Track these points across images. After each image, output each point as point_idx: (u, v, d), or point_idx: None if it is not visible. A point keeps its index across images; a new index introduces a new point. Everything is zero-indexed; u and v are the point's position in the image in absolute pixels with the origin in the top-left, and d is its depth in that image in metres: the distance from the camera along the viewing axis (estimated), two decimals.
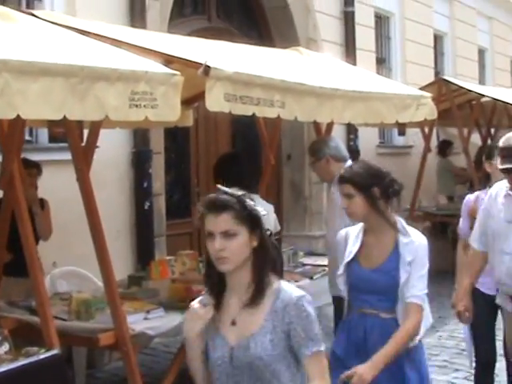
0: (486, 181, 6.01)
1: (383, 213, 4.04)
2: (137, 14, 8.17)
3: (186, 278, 6.02)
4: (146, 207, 8.25)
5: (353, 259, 4.10)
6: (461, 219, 5.94)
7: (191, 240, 9.72)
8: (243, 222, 2.86)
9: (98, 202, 5.19)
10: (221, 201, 2.87)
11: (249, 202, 2.90)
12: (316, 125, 7.23)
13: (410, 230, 4.10)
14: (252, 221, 2.89)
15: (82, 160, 5.03)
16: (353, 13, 12.13)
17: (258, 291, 2.90)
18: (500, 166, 4.67)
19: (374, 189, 4.00)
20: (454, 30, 16.99)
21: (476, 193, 5.91)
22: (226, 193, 2.91)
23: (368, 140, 12.20)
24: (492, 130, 14.78)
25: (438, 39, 16.57)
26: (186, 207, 9.84)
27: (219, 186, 2.97)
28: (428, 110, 7.48)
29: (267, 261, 2.94)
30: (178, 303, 5.57)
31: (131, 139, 8.21)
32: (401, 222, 4.10)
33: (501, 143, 4.76)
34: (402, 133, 13.15)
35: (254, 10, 11.16)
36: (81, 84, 3.95)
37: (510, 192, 4.82)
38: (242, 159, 6.41)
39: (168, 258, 6.74)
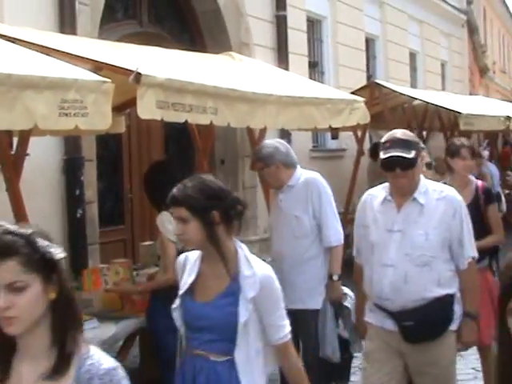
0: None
1: (221, 240, 3.45)
2: (66, 20, 8.04)
3: (120, 288, 5.95)
4: (78, 215, 8.13)
5: (187, 291, 3.54)
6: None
7: (125, 247, 9.66)
8: (34, 269, 2.21)
9: (29, 211, 5.10)
10: (3, 244, 2.20)
11: (41, 243, 2.24)
12: (249, 130, 7.23)
13: (254, 260, 3.48)
14: (47, 266, 2.23)
15: (12, 169, 4.95)
16: (285, 17, 12.17)
17: (61, 358, 2.23)
18: (383, 156, 4.32)
19: (212, 212, 3.43)
20: (386, 33, 17.17)
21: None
22: (9, 232, 2.23)
23: (301, 144, 12.22)
24: (424, 133, 14.99)
25: (369, 43, 16.75)
26: (120, 214, 9.78)
27: (2, 223, 2.28)
28: (361, 114, 7.55)
29: (70, 316, 2.28)
30: (112, 313, 5.51)
31: (62, 146, 8.09)
32: (243, 250, 3.50)
33: (384, 138, 4.45)
34: (334, 136, 13.37)
35: (186, 14, 11.13)
36: (8, 92, 3.88)
37: (388, 197, 4.47)
38: (172, 167, 6.22)
39: (101, 266, 6.65)
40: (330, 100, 7.22)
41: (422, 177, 4.46)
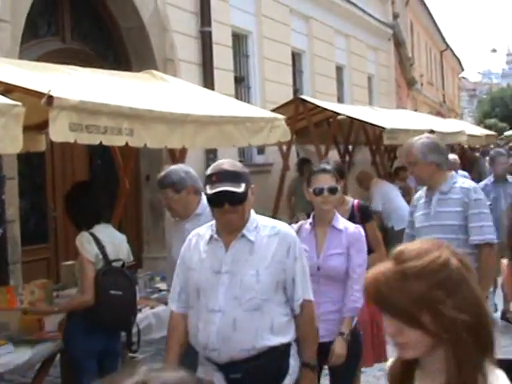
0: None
1: None
2: None
3: (36, 308, 5.88)
4: None
5: None
6: None
7: (49, 266, 9.55)
8: None
9: None
10: None
11: None
12: (170, 149, 7.22)
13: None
14: None
15: None
16: (210, 32, 12.21)
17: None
18: (209, 191, 3.92)
19: None
20: (312, 47, 17.35)
21: (300, 222, 5.35)
22: None
23: (228, 158, 12.26)
24: (350, 147, 15.19)
25: (296, 57, 16.89)
26: (43, 233, 9.67)
27: None
28: (281, 132, 7.59)
29: None
30: (28, 337, 5.44)
31: None
32: None
33: (209, 170, 4.04)
34: (261, 151, 13.45)
35: (110, 30, 11.08)
36: None
37: (215, 236, 4.05)
38: (93, 188, 6.17)
39: (16, 285, 6.57)
40: (250, 118, 7.25)
41: (252, 212, 4.10)
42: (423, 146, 5.66)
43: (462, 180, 5.84)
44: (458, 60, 60.00)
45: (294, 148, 14.01)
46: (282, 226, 4.16)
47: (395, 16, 25.50)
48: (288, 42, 15.74)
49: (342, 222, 5.13)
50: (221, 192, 3.88)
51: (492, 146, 27.98)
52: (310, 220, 5.22)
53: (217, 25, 12.49)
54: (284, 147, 11.88)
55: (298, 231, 5.06)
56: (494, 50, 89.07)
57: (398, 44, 26.18)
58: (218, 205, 3.94)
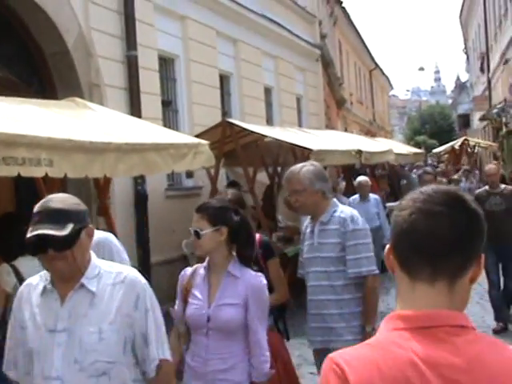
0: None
1: None
2: None
3: None
4: None
5: None
6: (177, 300, 4.70)
7: None
8: None
9: None
10: None
11: None
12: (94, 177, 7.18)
13: None
14: None
15: None
16: (136, 56, 12.17)
17: None
18: (28, 234, 3.25)
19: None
20: (240, 69, 17.43)
21: (196, 265, 4.74)
22: None
23: (156, 183, 12.26)
24: (279, 169, 15.26)
25: (224, 79, 16.94)
26: None
27: None
28: (205, 157, 7.63)
29: None
30: None
31: None
32: None
33: (36, 207, 3.35)
34: (190, 175, 13.45)
35: (35, 56, 10.97)
36: None
37: (49, 286, 3.38)
38: (18, 219, 5.98)
39: None
40: (173, 145, 7.27)
41: (93, 256, 3.46)
42: (310, 173, 5.39)
43: (341, 208, 5.52)
44: (387, 78, 61.00)
45: (223, 171, 14.06)
46: (129, 271, 3.47)
47: (323, 36, 25.78)
48: (215, 65, 15.79)
49: (240, 269, 4.45)
50: (38, 235, 3.22)
51: (421, 164, 28.54)
52: (205, 263, 4.59)
53: (143, 49, 12.48)
54: (212, 171, 11.89)
55: (193, 275, 4.59)
56: (422, 69, 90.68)
57: (327, 64, 26.46)
58: (40, 250, 3.28)
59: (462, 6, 47.13)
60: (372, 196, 13.41)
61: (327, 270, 5.38)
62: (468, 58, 54.53)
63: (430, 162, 44.60)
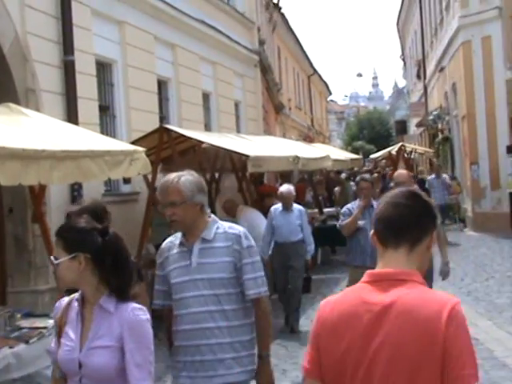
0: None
1: None
2: None
3: None
4: None
5: None
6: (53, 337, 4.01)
7: None
8: None
9: None
10: None
11: None
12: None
13: None
14: None
15: None
16: (73, 61, 12.06)
17: None
18: None
19: None
20: (178, 75, 17.40)
21: (69, 297, 3.87)
22: None
23: (93, 189, 12.16)
24: (216, 175, 15.32)
25: (162, 85, 16.90)
26: None
27: None
28: (141, 164, 7.62)
29: None
30: None
31: None
32: None
33: None
34: (127, 181, 13.39)
35: None
36: None
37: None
38: None
39: None
40: (109, 152, 7.24)
41: None
42: (191, 184, 4.72)
43: (227, 224, 4.92)
44: (326, 84, 61.55)
45: (161, 176, 14.03)
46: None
47: (261, 42, 25.90)
48: (153, 70, 15.75)
49: (115, 301, 3.62)
50: None
51: (356, 169, 28.84)
52: (77, 295, 3.78)
53: (80, 54, 12.38)
54: (149, 176, 11.86)
55: (67, 308, 3.80)
56: (360, 75, 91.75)
57: (265, 70, 26.60)
58: None
59: (400, 12, 47.84)
60: (296, 207, 12.06)
61: (217, 293, 4.70)
62: (405, 64, 55.32)
63: (366, 167, 45.11)
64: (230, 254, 4.72)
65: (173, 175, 4.73)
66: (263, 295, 4.80)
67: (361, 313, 2.71)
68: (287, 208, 11.87)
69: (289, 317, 11.73)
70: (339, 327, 2.74)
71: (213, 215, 4.92)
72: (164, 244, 4.95)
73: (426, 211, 2.82)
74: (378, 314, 2.68)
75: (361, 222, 9.65)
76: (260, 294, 4.77)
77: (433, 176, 23.88)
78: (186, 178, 4.71)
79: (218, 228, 4.79)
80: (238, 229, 4.88)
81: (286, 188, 11.99)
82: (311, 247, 11.93)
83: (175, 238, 4.87)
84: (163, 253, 4.91)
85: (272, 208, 12.09)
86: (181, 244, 4.80)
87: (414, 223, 2.77)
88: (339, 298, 2.83)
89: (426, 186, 22.67)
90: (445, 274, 9.39)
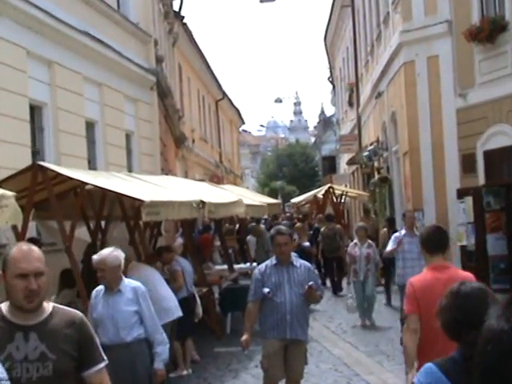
0: None
1: None
2: None
3: None
4: None
5: None
6: None
7: None
8: None
9: None
10: None
11: None
12: None
13: None
14: None
15: None
16: None
17: None
18: None
19: None
20: (56, 99, 17.24)
21: None
22: None
23: None
24: (103, 223, 15.21)
25: (35, 111, 16.69)
26: None
27: None
28: (11, 212, 7.56)
29: None
30: None
31: None
32: None
33: None
34: None
35: None
36: None
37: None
38: None
39: None
40: None
41: None
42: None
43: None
44: (238, 111, 61.91)
45: (33, 224, 13.94)
46: None
47: (159, 59, 25.92)
48: (25, 93, 15.64)
49: None
50: None
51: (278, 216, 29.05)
52: None
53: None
54: (19, 225, 11.77)
55: None
56: (279, 100, 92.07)
57: (164, 94, 26.60)
58: None
59: (328, 25, 47.20)
60: (128, 284, 9.89)
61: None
62: (334, 88, 55.97)
63: (287, 213, 45.46)
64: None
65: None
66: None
67: (436, 281, 7.18)
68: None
69: None
70: (427, 288, 7.22)
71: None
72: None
73: (446, 237, 8.19)
74: (444, 281, 6.74)
75: (266, 290, 9.73)
76: None
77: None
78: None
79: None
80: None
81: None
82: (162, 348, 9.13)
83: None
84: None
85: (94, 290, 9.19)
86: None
87: (442, 244, 7.89)
88: (422, 277, 7.65)
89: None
90: None
